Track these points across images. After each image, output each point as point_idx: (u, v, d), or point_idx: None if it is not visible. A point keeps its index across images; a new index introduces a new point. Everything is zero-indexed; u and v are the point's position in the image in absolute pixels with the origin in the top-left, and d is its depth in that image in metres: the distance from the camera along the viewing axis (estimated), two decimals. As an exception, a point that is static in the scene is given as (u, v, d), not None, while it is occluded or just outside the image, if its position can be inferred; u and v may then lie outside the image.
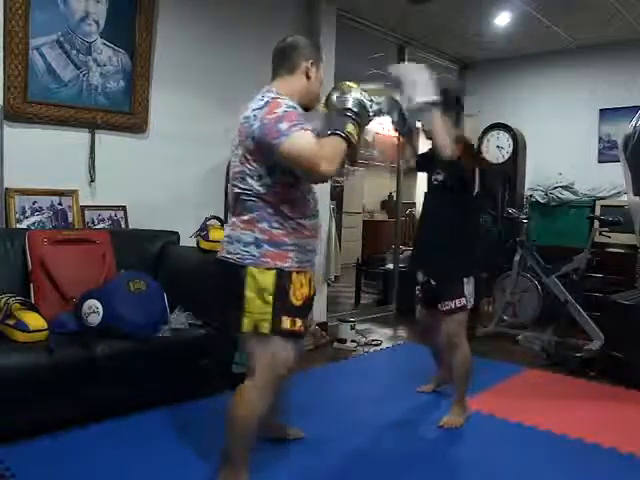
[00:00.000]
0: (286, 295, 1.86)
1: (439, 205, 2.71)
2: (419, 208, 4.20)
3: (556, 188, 5.33)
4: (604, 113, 5.35)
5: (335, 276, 4.82)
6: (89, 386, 2.41)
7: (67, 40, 3.08)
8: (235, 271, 1.86)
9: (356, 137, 1.84)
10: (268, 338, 1.86)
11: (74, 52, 3.12)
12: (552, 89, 5.67)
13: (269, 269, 1.84)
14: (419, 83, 2.28)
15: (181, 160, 3.64)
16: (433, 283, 2.72)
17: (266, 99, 1.85)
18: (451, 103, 2.67)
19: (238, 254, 1.86)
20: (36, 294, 2.65)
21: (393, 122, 2.57)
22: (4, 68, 2.88)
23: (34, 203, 3.03)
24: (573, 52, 5.47)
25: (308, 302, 1.99)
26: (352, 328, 4.27)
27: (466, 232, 2.69)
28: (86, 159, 3.25)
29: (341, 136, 1.80)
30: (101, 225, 3.27)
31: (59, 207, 3.12)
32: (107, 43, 3.24)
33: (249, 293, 1.84)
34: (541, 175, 5.49)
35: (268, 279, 1.84)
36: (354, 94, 1.88)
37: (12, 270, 2.69)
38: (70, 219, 3.14)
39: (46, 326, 2.41)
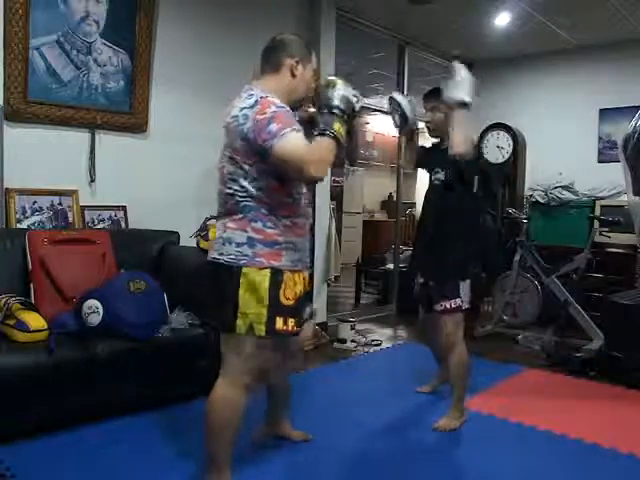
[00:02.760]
0: (279, 295, 1.84)
1: (439, 205, 2.69)
2: (419, 208, 4.20)
3: (556, 188, 5.33)
4: (604, 113, 5.35)
5: (335, 276, 4.81)
6: (89, 386, 2.41)
7: (67, 40, 3.08)
8: (228, 272, 1.83)
9: (343, 134, 1.80)
10: (255, 339, 1.83)
11: (74, 52, 3.12)
12: (552, 89, 5.67)
13: (263, 268, 1.82)
14: (464, 81, 2.39)
15: (181, 160, 3.64)
16: (431, 284, 2.70)
17: (255, 98, 1.81)
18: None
19: (231, 255, 1.83)
20: (36, 294, 2.65)
21: (394, 121, 2.66)
22: (4, 68, 2.88)
23: (34, 203, 3.03)
24: (573, 52, 5.48)
25: (301, 301, 1.95)
26: (352, 328, 4.28)
27: (465, 232, 2.66)
28: (86, 159, 3.25)
29: (329, 136, 1.76)
30: (101, 225, 3.27)
31: (59, 207, 3.12)
32: (107, 43, 3.24)
33: (243, 294, 1.81)
34: (541, 175, 5.50)
35: (263, 279, 1.82)
36: (340, 90, 1.82)
37: (12, 270, 2.69)
38: (70, 219, 3.14)
39: (46, 326, 2.41)
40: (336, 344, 4.16)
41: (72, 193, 3.17)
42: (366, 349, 4.12)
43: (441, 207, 2.68)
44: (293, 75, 1.94)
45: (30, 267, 2.69)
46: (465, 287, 2.64)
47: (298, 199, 1.93)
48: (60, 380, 2.33)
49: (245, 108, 1.79)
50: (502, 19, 4.79)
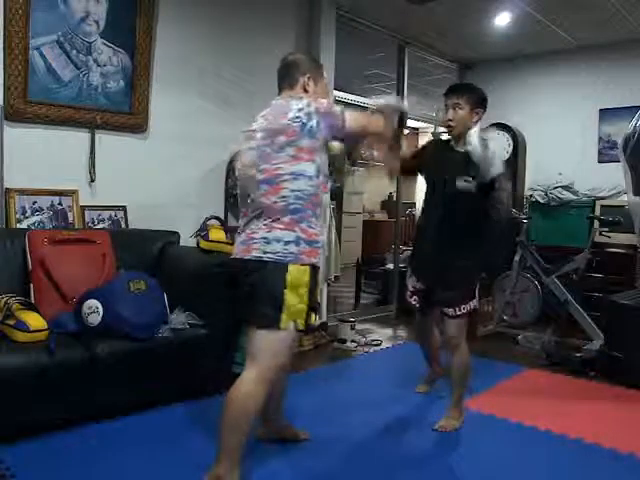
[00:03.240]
0: (314, 290, 2.00)
1: (459, 211, 2.54)
2: (419, 208, 4.20)
3: (556, 188, 5.33)
4: (604, 113, 5.35)
5: (335, 276, 4.81)
6: (89, 386, 2.41)
7: (67, 40, 3.08)
8: (274, 269, 1.93)
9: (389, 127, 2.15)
10: (286, 332, 1.94)
11: (74, 52, 3.12)
12: (552, 89, 5.67)
13: (304, 265, 1.95)
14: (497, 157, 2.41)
15: (181, 160, 3.64)
16: (440, 289, 2.63)
17: (306, 100, 2.00)
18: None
19: (278, 252, 1.93)
20: (36, 294, 2.65)
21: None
22: (4, 68, 2.88)
23: (34, 203, 3.03)
24: (573, 52, 5.47)
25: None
26: (352, 328, 4.28)
27: (482, 236, 2.63)
28: (86, 159, 3.25)
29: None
30: (101, 225, 3.27)
31: (59, 207, 3.12)
32: (107, 43, 3.24)
33: (289, 290, 1.92)
34: (541, 175, 5.50)
35: (305, 275, 1.95)
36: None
37: (12, 270, 2.69)
38: (70, 219, 3.14)
39: (46, 326, 2.41)
40: (336, 344, 4.16)
41: (72, 193, 3.17)
42: (366, 349, 4.11)
43: (461, 212, 2.53)
44: (306, 90, 2.11)
45: (30, 267, 2.69)
46: (477, 289, 2.67)
47: (322, 202, 2.08)
48: (60, 380, 2.32)
49: (302, 109, 1.96)
50: (502, 19, 4.79)
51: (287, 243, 1.93)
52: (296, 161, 1.94)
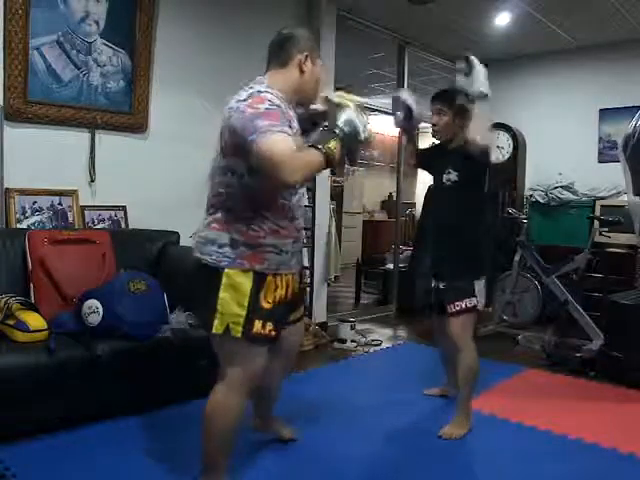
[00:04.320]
0: (259, 298, 1.79)
1: (451, 205, 2.60)
2: (419, 208, 4.20)
3: (556, 188, 5.34)
4: (604, 113, 5.36)
5: (335, 276, 4.82)
6: (89, 386, 2.41)
7: (67, 40, 3.08)
8: (210, 272, 1.79)
9: (337, 156, 1.70)
10: (238, 341, 1.79)
11: (74, 52, 3.12)
12: (552, 89, 5.67)
13: (245, 271, 1.77)
14: (481, 73, 2.42)
15: (181, 160, 3.64)
16: (442, 285, 2.62)
17: (251, 91, 1.74)
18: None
19: (212, 255, 1.78)
20: (36, 294, 2.65)
21: (397, 120, 2.67)
22: (4, 68, 2.88)
23: (34, 203, 3.03)
24: (573, 52, 5.48)
25: (283, 303, 1.89)
26: (352, 328, 4.27)
27: (479, 231, 2.63)
28: (86, 159, 3.25)
29: (320, 151, 1.67)
30: (101, 225, 3.27)
31: (59, 207, 3.12)
32: (107, 43, 3.24)
33: (223, 294, 1.77)
34: (541, 175, 5.50)
35: (245, 281, 1.77)
36: (348, 114, 1.74)
37: (12, 270, 2.69)
38: (70, 219, 3.14)
39: (46, 326, 2.42)
40: (336, 344, 4.16)
41: (72, 193, 3.17)
42: (366, 349, 4.11)
43: (454, 208, 2.59)
44: (301, 71, 1.87)
45: (30, 267, 2.69)
46: (480, 286, 2.59)
47: (286, 203, 1.85)
48: (60, 380, 2.33)
49: (240, 100, 1.73)
50: (502, 19, 4.79)
51: (222, 246, 1.77)
52: (225, 154, 1.78)
